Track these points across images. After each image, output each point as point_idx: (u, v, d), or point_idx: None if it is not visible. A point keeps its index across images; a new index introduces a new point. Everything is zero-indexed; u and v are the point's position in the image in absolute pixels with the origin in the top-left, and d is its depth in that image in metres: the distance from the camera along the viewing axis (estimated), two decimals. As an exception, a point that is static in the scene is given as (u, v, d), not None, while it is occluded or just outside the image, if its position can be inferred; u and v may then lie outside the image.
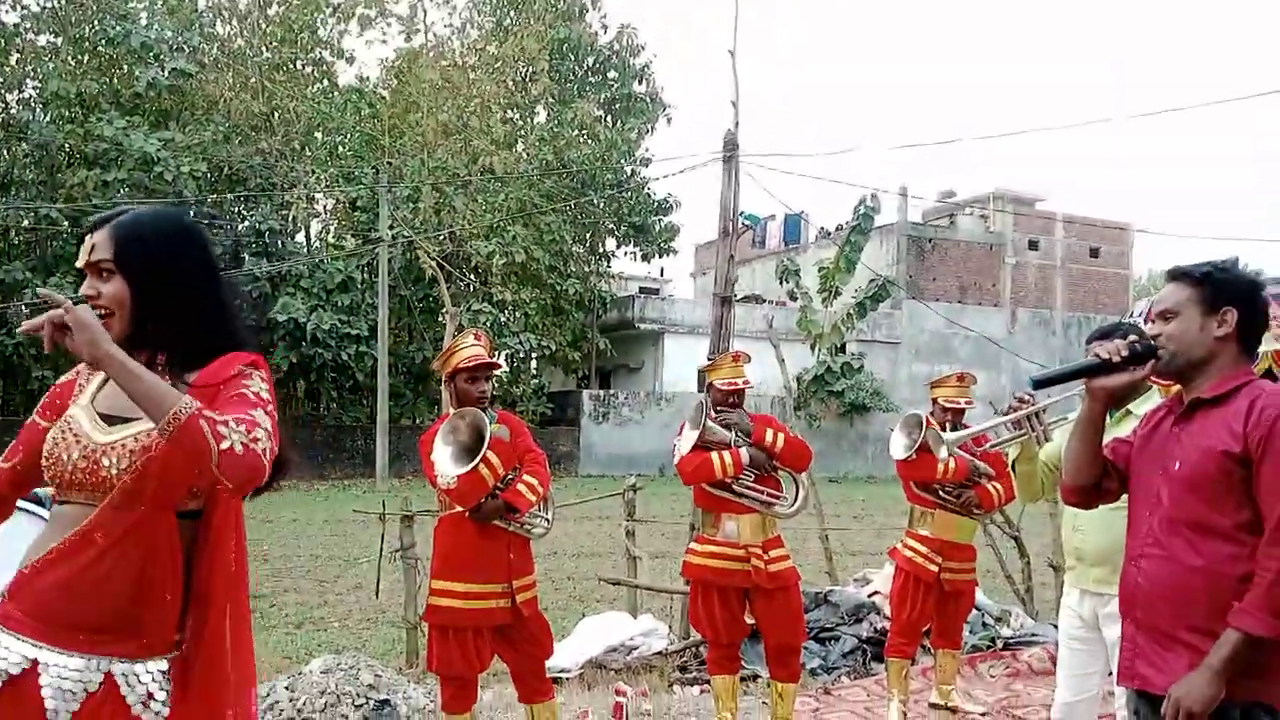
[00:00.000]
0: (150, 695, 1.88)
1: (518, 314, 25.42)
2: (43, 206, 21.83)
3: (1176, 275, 2.36)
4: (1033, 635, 6.46)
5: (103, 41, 23.61)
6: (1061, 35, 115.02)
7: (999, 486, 5.08)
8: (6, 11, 23.33)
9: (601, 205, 29.21)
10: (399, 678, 5.50)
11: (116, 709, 1.85)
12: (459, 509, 4.10)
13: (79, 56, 24.45)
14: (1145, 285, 42.81)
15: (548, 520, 4.34)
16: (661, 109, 30.93)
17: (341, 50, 27.14)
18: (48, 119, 23.53)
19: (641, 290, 33.42)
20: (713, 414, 4.66)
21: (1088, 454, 2.43)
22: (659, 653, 6.05)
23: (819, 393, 26.94)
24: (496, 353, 4.44)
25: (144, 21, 24.44)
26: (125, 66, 24.09)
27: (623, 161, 28.47)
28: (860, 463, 27.74)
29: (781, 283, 28.36)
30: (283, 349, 23.31)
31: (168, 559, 1.90)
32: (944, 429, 5.02)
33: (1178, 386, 2.41)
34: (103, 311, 1.92)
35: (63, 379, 2.13)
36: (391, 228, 22.70)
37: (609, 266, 30.59)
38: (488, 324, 23.20)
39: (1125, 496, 2.49)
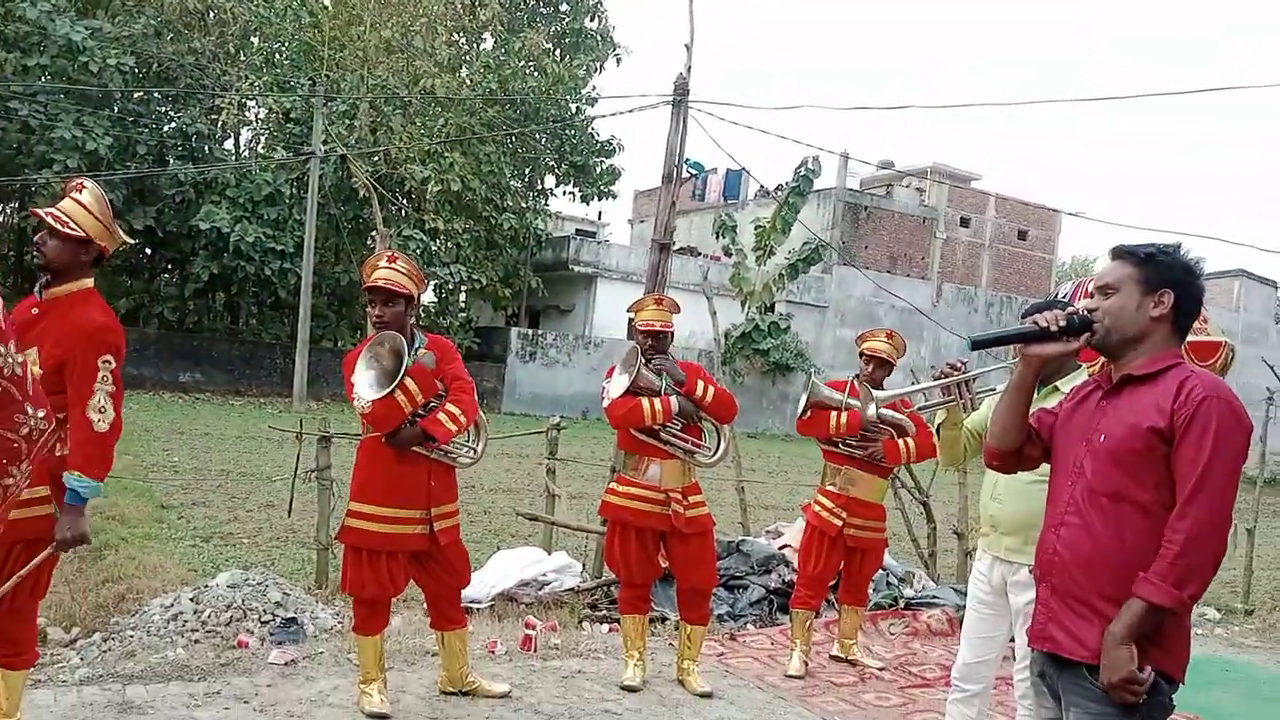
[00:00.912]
0: None
1: (449, 244, 25.00)
2: (-45, 86, 20.66)
3: (1120, 253, 2.40)
4: (933, 597, 6.66)
5: (29, -84, 22.28)
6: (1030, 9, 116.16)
7: (910, 443, 5.17)
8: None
9: (543, 141, 28.78)
10: (307, 597, 5.46)
11: None
12: (379, 432, 4.05)
13: (2, -70, 23.06)
14: (1068, 270, 43.96)
15: (475, 450, 4.30)
16: (612, 48, 30.46)
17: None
18: (-35, -6, 22.21)
19: (578, 232, 33.16)
20: (645, 361, 4.68)
21: (1015, 419, 2.49)
22: (571, 590, 6.09)
23: (745, 349, 27.18)
24: (427, 282, 4.35)
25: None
26: (52, -55, 22.80)
27: (568, 98, 28.02)
28: (779, 420, 28.16)
29: (718, 237, 28.47)
30: (203, 258, 22.62)
31: None
32: (872, 382, 5.12)
33: (1103, 361, 2.47)
34: None
35: None
36: (325, 143, 22.05)
37: (546, 204, 30.21)
38: (418, 251, 22.80)
39: (1045, 467, 2.55)
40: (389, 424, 3.96)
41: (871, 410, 4.70)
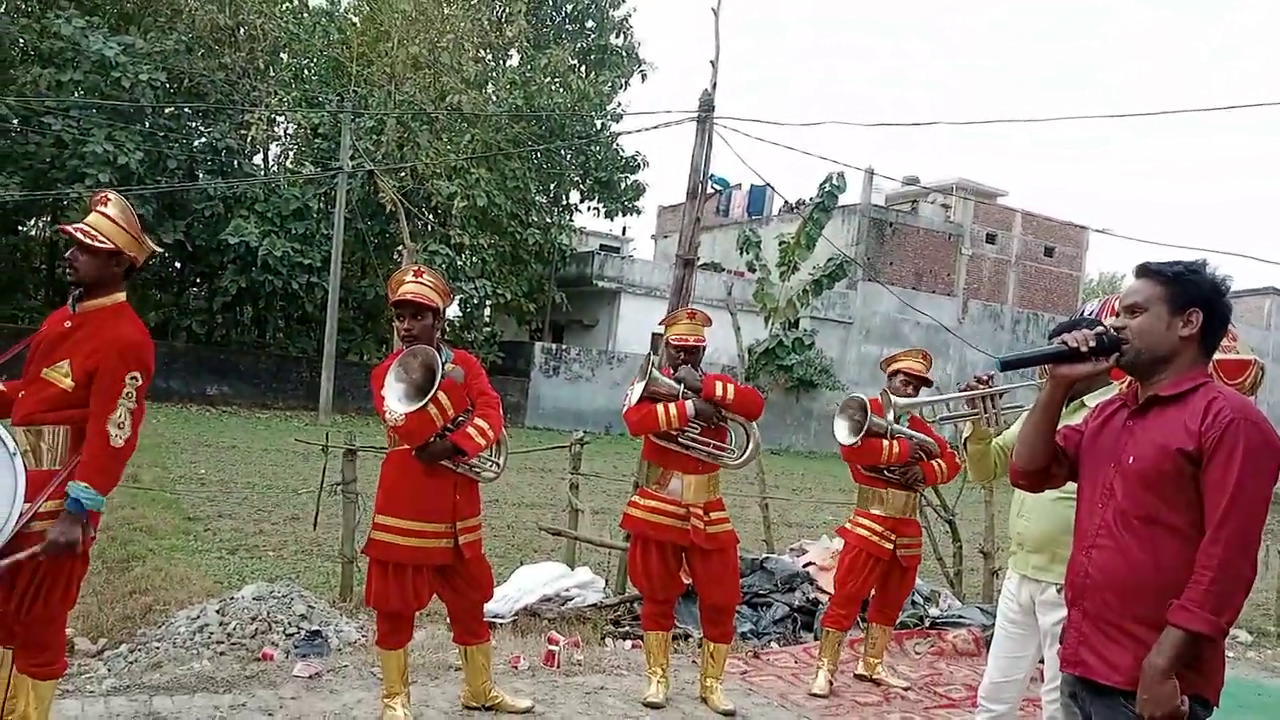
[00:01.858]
0: None
1: (474, 259, 25.12)
2: (-8, 102, 21.01)
3: (1147, 271, 2.38)
4: (959, 617, 6.60)
5: (65, -65, 22.70)
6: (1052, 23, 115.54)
7: (943, 464, 5.21)
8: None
9: (568, 156, 28.89)
10: (332, 610, 5.48)
11: None
12: (406, 446, 4.07)
13: (39, -51, 23.51)
14: (1095, 287, 43.60)
15: (498, 465, 4.31)
16: (637, 64, 30.61)
17: (314, -31, 26.40)
18: (2, 10, 22.61)
19: (602, 247, 33.24)
20: (658, 366, 4.69)
21: (1042, 439, 2.47)
22: (593, 605, 6.08)
23: (769, 365, 27.09)
24: (453, 297, 4.38)
25: (110, -82, 23.53)
26: (87, -37, 23.21)
27: (594, 114, 28.15)
28: (803, 437, 28.04)
29: (742, 253, 28.36)
30: (232, 272, 22.83)
31: None
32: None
33: (1130, 380, 2.45)
34: None
35: None
36: (353, 158, 22.25)
37: (571, 220, 30.32)
38: (443, 266, 22.91)
39: (1071, 485, 2.53)
40: (421, 437, 3.98)
41: (890, 415, 4.71)
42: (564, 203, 30.23)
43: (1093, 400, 3.27)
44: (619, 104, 29.94)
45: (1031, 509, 3.47)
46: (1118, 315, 2.43)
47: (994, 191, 34.90)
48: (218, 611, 5.10)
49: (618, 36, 30.62)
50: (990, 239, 32.98)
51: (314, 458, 8.95)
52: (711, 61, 8.45)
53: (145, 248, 3.40)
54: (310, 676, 4.57)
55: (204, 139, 24.22)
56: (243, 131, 23.19)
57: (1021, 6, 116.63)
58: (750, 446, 4.82)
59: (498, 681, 4.51)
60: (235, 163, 24.03)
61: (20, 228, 23.75)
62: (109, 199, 3.36)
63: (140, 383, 3.26)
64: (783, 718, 4.72)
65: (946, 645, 6.19)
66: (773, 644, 5.99)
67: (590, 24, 30.67)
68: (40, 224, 25.20)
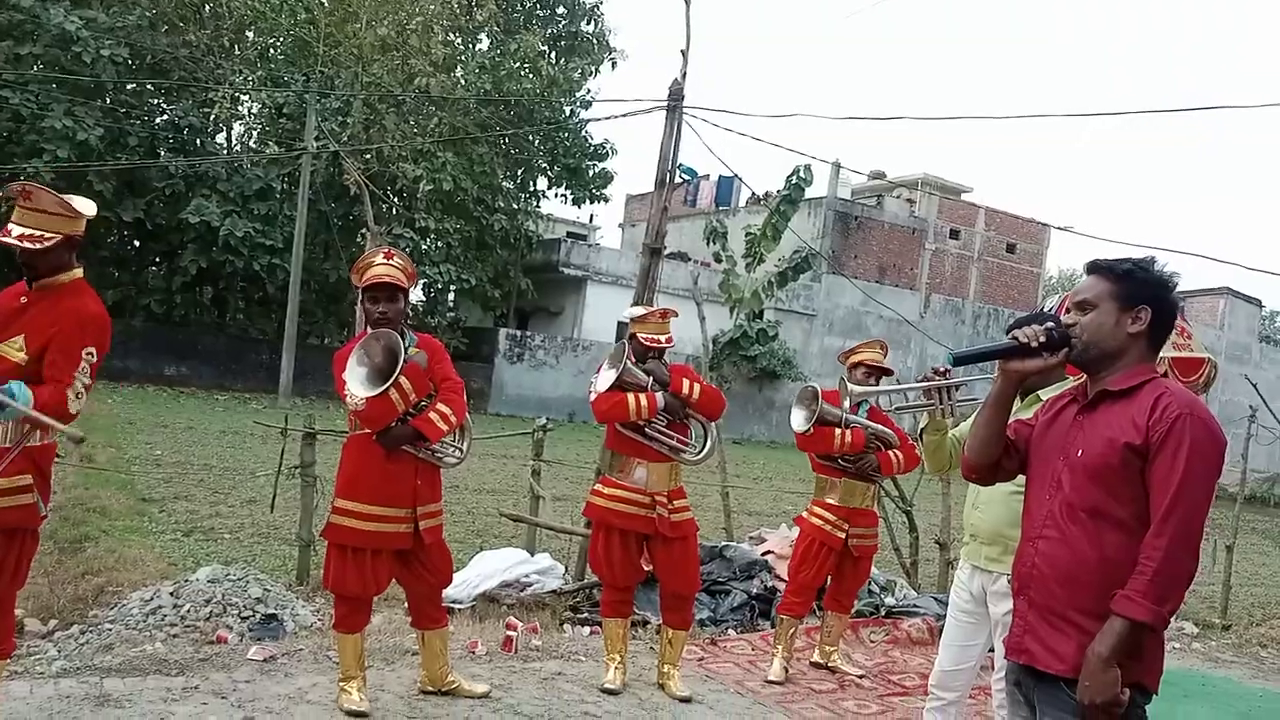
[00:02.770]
0: None
1: (440, 243, 24.93)
2: (-54, 73, 20.52)
3: (1097, 268, 2.42)
4: (914, 606, 6.69)
5: (25, -96, 22.17)
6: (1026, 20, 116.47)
7: (900, 455, 5.26)
8: None
9: (536, 143, 28.73)
10: (288, 594, 5.44)
11: None
12: (368, 430, 4.05)
13: (-3, -83, 22.95)
14: (1055, 284, 44.17)
15: (461, 450, 4.31)
16: (608, 52, 30.45)
17: (281, -53, 25.99)
18: (-42, -20, 22.05)
19: (569, 235, 33.13)
20: (632, 359, 4.70)
21: (993, 432, 2.50)
22: (553, 592, 6.09)
23: (732, 356, 27.20)
24: (416, 280, 4.37)
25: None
26: (47, -66, 22.69)
27: (563, 101, 28.00)
28: (764, 428, 28.19)
29: (709, 243, 28.32)
30: (192, 251, 22.50)
31: None
32: None
33: (1083, 376, 2.49)
34: None
35: None
36: (318, 139, 21.98)
37: (538, 206, 30.17)
38: (408, 250, 22.71)
39: (1023, 479, 2.57)
40: (382, 422, 3.96)
41: (847, 403, 4.77)
42: (531, 189, 30.06)
43: (1048, 394, 3.32)
44: (589, 91, 29.82)
45: (986, 501, 3.53)
46: (1069, 312, 2.47)
47: (959, 187, 35.25)
48: (171, 594, 5.05)
49: (589, 23, 30.46)
50: (954, 234, 33.29)
51: (273, 440, 8.87)
52: (682, 51, 8.42)
53: (81, 219, 3.30)
54: (265, 660, 4.54)
55: (166, 116, 23.81)
56: (206, 110, 22.83)
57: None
58: (709, 444, 4.86)
59: (455, 667, 4.51)
60: (198, 141, 23.65)
61: (-26, 202, 23.26)
62: (30, 191, 3.21)
63: (95, 359, 3.22)
64: (739, 704, 4.76)
65: (901, 634, 6.27)
66: (730, 631, 6.03)
67: (561, 10, 30.48)
68: (-5, 199, 24.74)
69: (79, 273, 3.34)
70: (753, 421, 28.08)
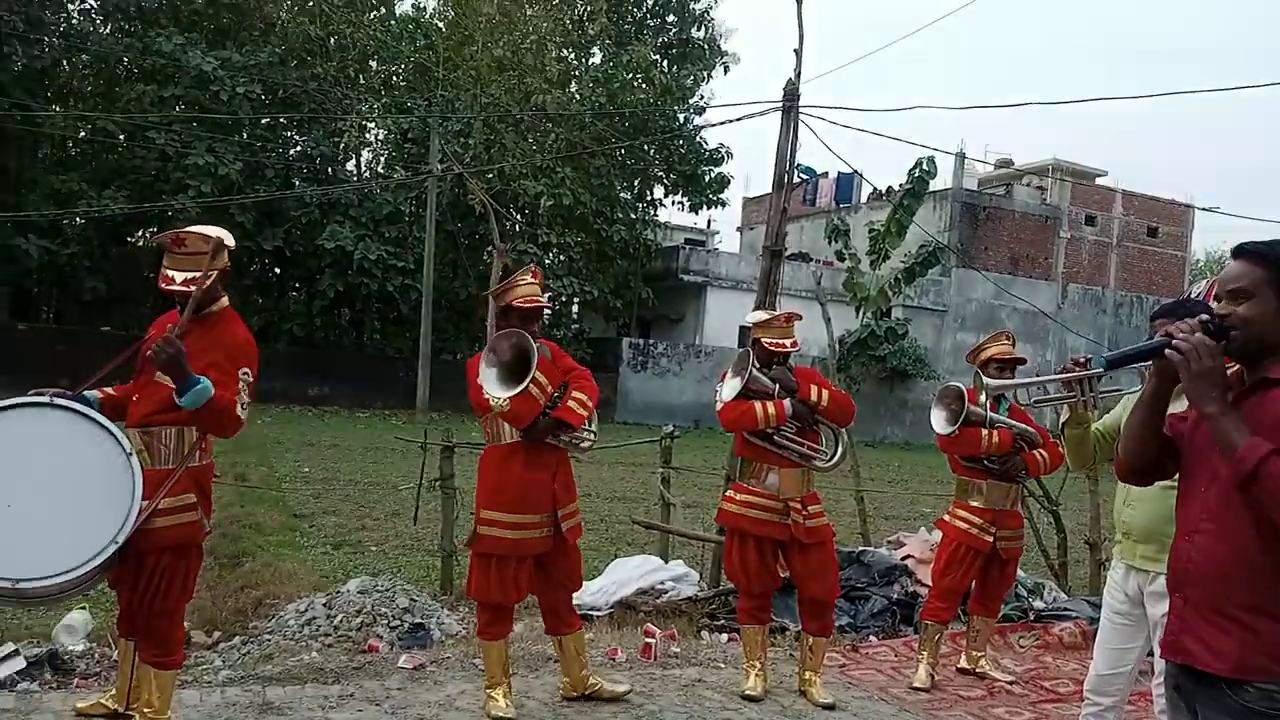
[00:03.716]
0: None
1: (562, 257, 25.38)
2: (100, 118, 22.00)
3: (1246, 253, 2.27)
4: (1065, 609, 6.42)
5: (163, -44, 23.62)
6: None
7: (1045, 454, 5.05)
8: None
9: (652, 152, 28.94)
10: (433, 603, 5.60)
11: None
12: (505, 440, 4.15)
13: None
14: (1202, 268, 41.85)
15: (593, 433, 4.42)
16: (720, 56, 30.47)
17: (399, -23, 26.95)
18: (108, 31, 23.63)
19: (687, 241, 33.21)
20: (757, 365, 4.67)
21: (1149, 433, 2.38)
22: (689, 598, 6.09)
23: (861, 356, 26.73)
24: (544, 294, 4.50)
25: (205, -63, 24.39)
26: (185, -18, 24.10)
27: (677, 108, 28.15)
28: (898, 428, 27.60)
29: (830, 242, 27.95)
30: (329, 275, 23.49)
31: None
32: None
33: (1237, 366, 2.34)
34: None
35: None
36: (442, 161, 22.67)
37: (656, 214, 30.38)
38: (532, 266, 23.19)
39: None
40: (527, 418, 4.06)
41: (983, 397, 4.62)
42: (648, 198, 30.29)
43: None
44: (702, 97, 29.89)
45: (1138, 498, 3.36)
46: (1219, 301, 2.33)
47: (1092, 171, 33.78)
48: (324, 605, 5.26)
49: (699, 30, 30.54)
50: (1089, 220, 31.98)
51: (413, 455, 9.16)
52: (795, 50, 8.35)
53: (226, 253, 3.47)
54: (415, 668, 4.68)
55: (299, 148, 24.97)
56: (335, 139, 23.85)
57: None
58: (839, 450, 4.78)
59: (596, 674, 4.56)
60: (329, 170, 24.75)
61: (129, 239, 24.82)
62: (183, 239, 3.36)
63: (251, 379, 3.40)
64: (884, 711, 4.66)
65: (1052, 639, 6.03)
66: (872, 638, 5.91)
67: (671, 18, 30.65)
68: (147, 234, 26.32)
69: (226, 301, 3.53)
70: (885, 423, 27.53)
